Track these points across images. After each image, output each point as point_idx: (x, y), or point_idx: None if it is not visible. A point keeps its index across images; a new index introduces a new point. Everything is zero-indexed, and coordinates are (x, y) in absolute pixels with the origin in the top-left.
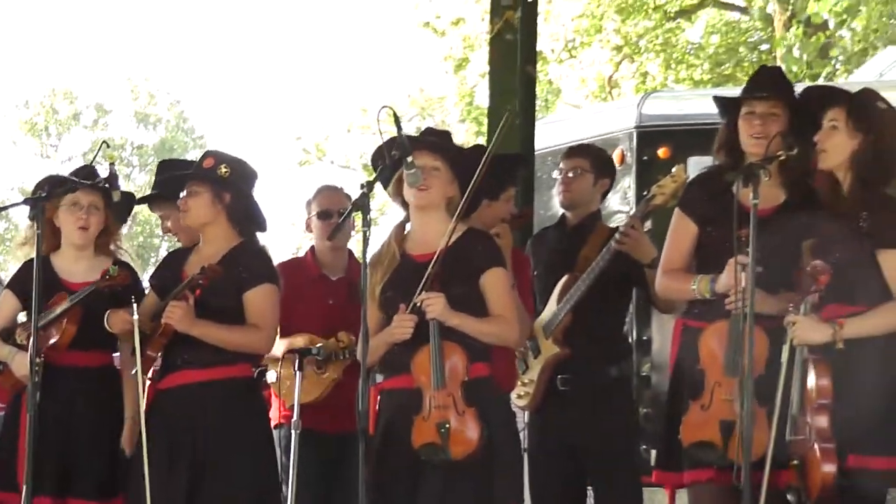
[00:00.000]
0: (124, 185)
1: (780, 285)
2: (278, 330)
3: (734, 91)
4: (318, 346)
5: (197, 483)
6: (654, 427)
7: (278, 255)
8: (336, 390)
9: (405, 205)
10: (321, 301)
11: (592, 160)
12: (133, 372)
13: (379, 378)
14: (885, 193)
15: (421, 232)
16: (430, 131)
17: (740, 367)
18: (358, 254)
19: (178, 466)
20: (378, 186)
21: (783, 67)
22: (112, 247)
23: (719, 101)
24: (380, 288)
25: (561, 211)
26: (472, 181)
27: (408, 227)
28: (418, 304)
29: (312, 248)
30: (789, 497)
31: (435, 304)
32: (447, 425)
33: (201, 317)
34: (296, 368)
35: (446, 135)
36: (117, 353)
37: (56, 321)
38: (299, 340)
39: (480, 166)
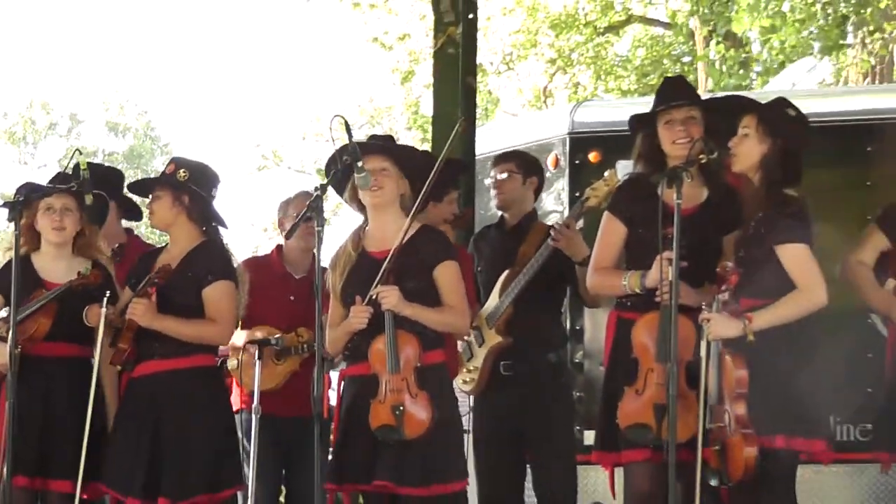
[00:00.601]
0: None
1: (705, 278)
2: (236, 322)
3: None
4: (276, 336)
5: (161, 462)
6: (587, 409)
7: (238, 254)
8: (293, 379)
9: (362, 208)
10: (284, 297)
11: (518, 162)
12: (105, 362)
13: (343, 365)
14: (786, 193)
15: (379, 230)
16: (374, 137)
17: (666, 355)
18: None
19: (145, 447)
20: (330, 189)
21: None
22: (94, 246)
23: (636, 118)
24: (340, 285)
25: (500, 212)
26: (426, 186)
27: (367, 228)
28: (374, 297)
29: (279, 246)
30: (711, 481)
31: (389, 297)
32: (401, 408)
33: (165, 312)
34: (256, 358)
35: (389, 139)
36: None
37: (32, 315)
38: (258, 333)
39: (434, 171)
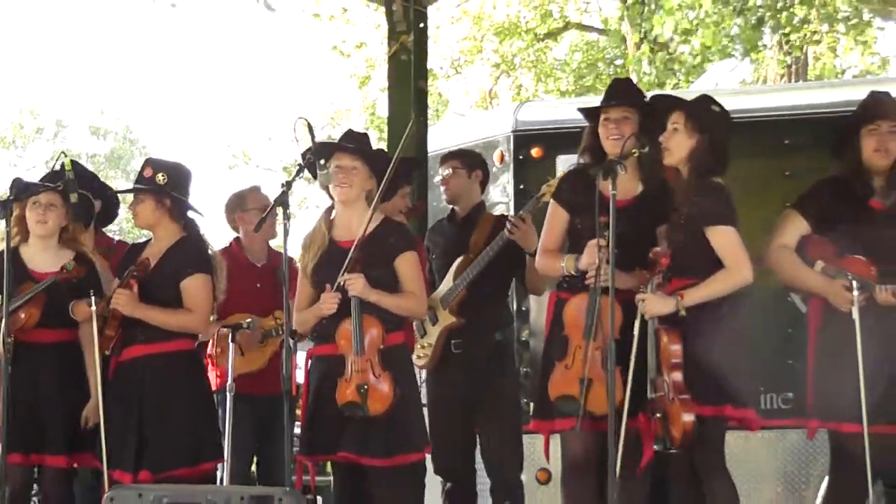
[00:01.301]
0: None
1: (636, 264)
2: (211, 311)
3: (595, 100)
4: (248, 320)
5: (145, 437)
6: (532, 384)
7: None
8: (274, 360)
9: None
10: (252, 286)
11: (462, 159)
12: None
13: (310, 345)
14: (714, 181)
15: (345, 221)
16: (350, 134)
17: (596, 332)
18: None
19: (131, 423)
20: (297, 184)
21: (637, 80)
22: (80, 241)
23: (583, 110)
24: (311, 267)
25: (450, 205)
26: (383, 181)
27: (334, 218)
28: (342, 284)
29: (237, 238)
30: (656, 446)
31: (355, 284)
32: (366, 386)
33: (148, 302)
34: (230, 341)
35: (364, 137)
36: None
37: (23, 306)
38: (235, 318)
39: (390, 168)
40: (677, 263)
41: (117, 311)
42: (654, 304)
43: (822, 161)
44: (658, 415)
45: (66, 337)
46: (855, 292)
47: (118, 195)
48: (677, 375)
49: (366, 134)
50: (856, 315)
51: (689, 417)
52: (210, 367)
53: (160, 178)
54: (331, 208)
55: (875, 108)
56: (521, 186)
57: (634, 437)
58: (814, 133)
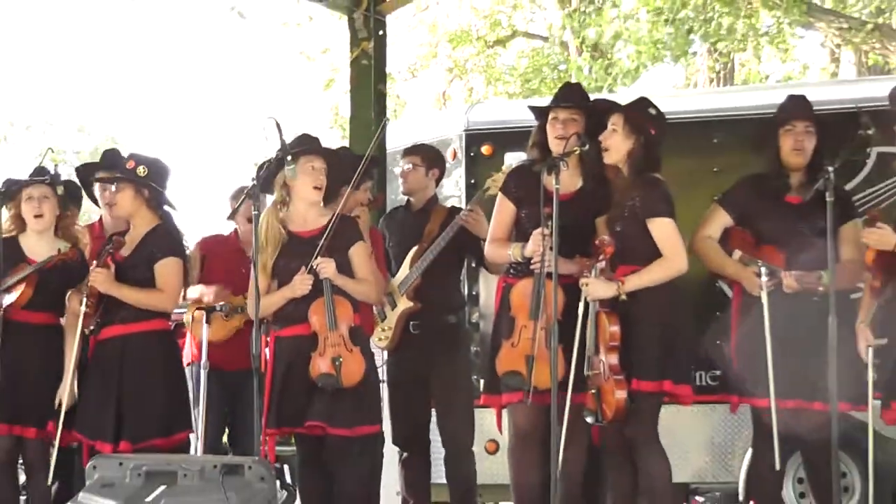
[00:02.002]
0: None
1: (577, 251)
2: (181, 292)
3: (542, 101)
4: (221, 304)
5: (123, 410)
6: (482, 361)
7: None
8: (237, 336)
9: (284, 189)
10: (237, 269)
11: (423, 156)
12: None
13: (275, 328)
14: (653, 177)
15: (301, 215)
16: (304, 137)
17: (540, 313)
18: None
19: (110, 398)
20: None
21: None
22: (73, 229)
23: (533, 109)
24: (272, 260)
25: (406, 196)
26: (354, 177)
27: (288, 212)
28: (314, 267)
29: (236, 229)
30: (588, 419)
31: (328, 267)
32: (340, 359)
33: (123, 282)
34: (204, 321)
35: (316, 140)
36: None
37: (16, 284)
38: (212, 289)
39: (359, 169)
40: (621, 252)
41: (94, 288)
42: (596, 288)
43: (746, 158)
44: (593, 391)
45: (52, 320)
46: (763, 278)
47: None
48: (613, 356)
49: (317, 138)
50: (764, 299)
51: (621, 395)
52: (190, 337)
53: (141, 170)
54: (276, 205)
55: (792, 109)
56: (472, 181)
57: (578, 410)
58: (739, 133)
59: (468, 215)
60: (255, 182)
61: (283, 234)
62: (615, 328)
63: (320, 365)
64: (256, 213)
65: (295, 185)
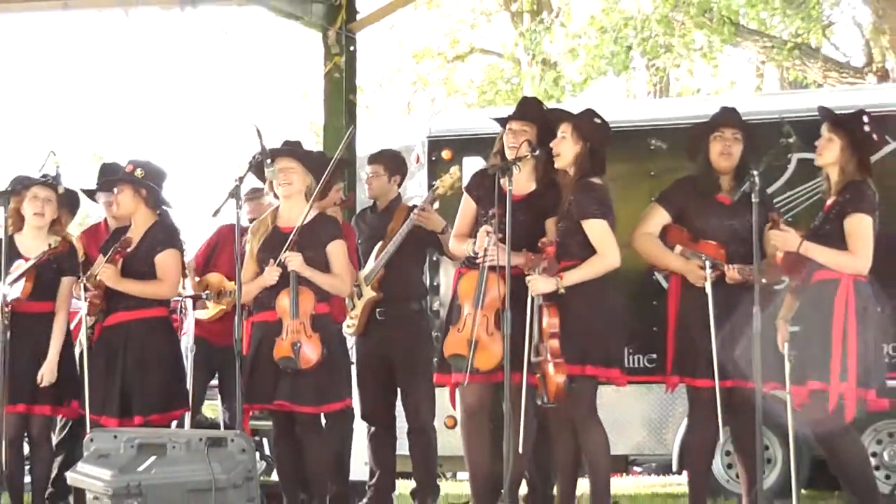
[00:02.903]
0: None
1: (526, 246)
2: (179, 281)
3: (498, 111)
4: (206, 292)
5: (127, 388)
6: (439, 345)
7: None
8: (225, 316)
9: (272, 187)
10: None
11: (384, 164)
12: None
13: (253, 312)
14: (589, 181)
15: (287, 211)
16: (287, 142)
17: (482, 301)
18: None
19: (115, 377)
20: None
21: (528, 93)
22: (65, 228)
23: (497, 120)
24: (257, 248)
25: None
26: (322, 179)
27: (279, 209)
28: (283, 260)
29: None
30: (538, 401)
31: (294, 260)
32: (298, 344)
33: (129, 275)
34: (190, 308)
35: (297, 143)
36: None
37: (18, 279)
38: (215, 275)
39: (328, 169)
40: (563, 247)
41: (102, 282)
42: (538, 283)
43: (680, 163)
44: (538, 375)
45: (51, 308)
46: (708, 270)
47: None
48: (554, 343)
49: (299, 141)
50: (708, 289)
51: (561, 378)
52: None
53: (138, 172)
54: (277, 207)
55: (721, 118)
56: (433, 183)
57: (529, 390)
58: (674, 140)
59: (419, 214)
60: (237, 183)
61: (269, 227)
62: (555, 319)
63: (282, 348)
64: (239, 210)
65: (274, 184)
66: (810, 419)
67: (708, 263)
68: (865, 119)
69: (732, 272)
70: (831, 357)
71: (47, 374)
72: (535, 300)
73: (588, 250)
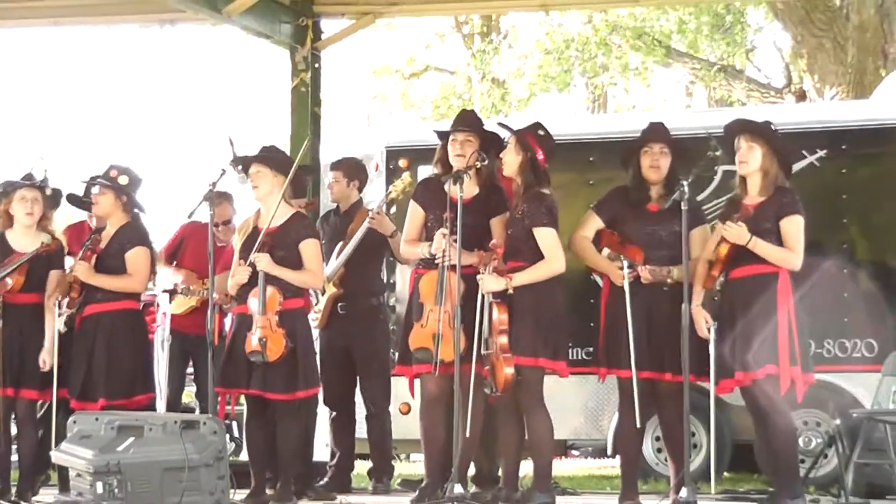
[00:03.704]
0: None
1: (475, 246)
2: (149, 277)
3: (447, 125)
4: (182, 287)
5: (95, 373)
6: (398, 338)
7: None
8: (195, 310)
9: None
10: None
11: (344, 170)
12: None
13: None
14: (540, 192)
15: (265, 213)
16: (265, 147)
17: (444, 299)
18: None
19: (85, 363)
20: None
21: (478, 108)
22: (50, 226)
23: (438, 133)
24: (239, 246)
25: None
26: (285, 183)
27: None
28: (252, 260)
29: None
30: (485, 390)
31: (261, 261)
32: (265, 339)
33: (101, 269)
34: (168, 302)
35: (274, 147)
36: None
37: (10, 274)
38: (183, 272)
39: (290, 175)
40: (511, 250)
41: (76, 277)
42: (489, 283)
43: (616, 174)
44: (487, 367)
45: (40, 299)
46: (625, 271)
47: None
48: (503, 338)
49: (275, 146)
50: (626, 287)
51: (509, 370)
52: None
53: (122, 179)
54: (259, 208)
55: (651, 133)
56: (388, 191)
57: (479, 379)
58: (610, 152)
59: (371, 217)
60: (210, 188)
61: (251, 226)
62: (504, 316)
63: (250, 342)
64: (211, 213)
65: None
66: (753, 400)
67: (625, 264)
68: (773, 127)
69: (645, 272)
70: (779, 343)
71: (48, 359)
72: (484, 297)
73: (536, 254)
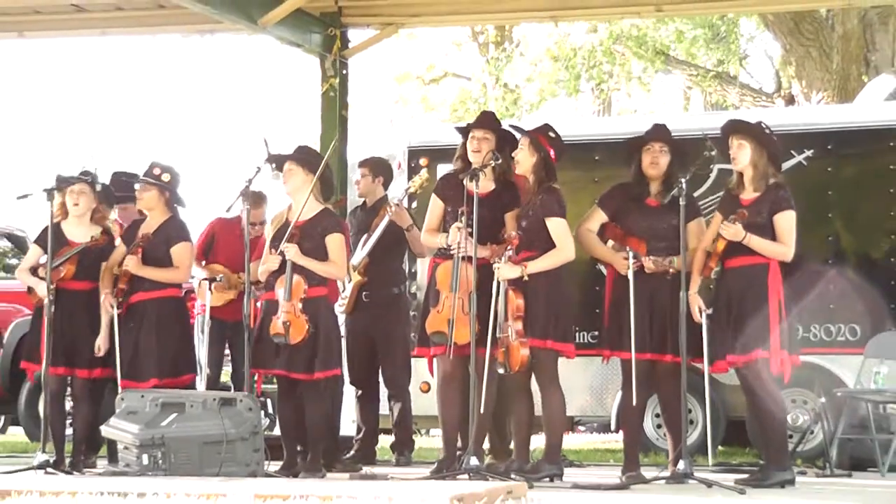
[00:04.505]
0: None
1: (489, 239)
2: (191, 268)
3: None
4: (220, 275)
5: (144, 356)
6: (418, 323)
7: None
8: (235, 300)
9: None
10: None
11: (369, 167)
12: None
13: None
14: (552, 186)
15: (296, 207)
16: (299, 147)
17: (458, 287)
18: None
19: (140, 347)
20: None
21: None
22: (106, 218)
23: (459, 129)
24: (271, 236)
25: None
26: (314, 180)
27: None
28: (282, 250)
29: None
30: (500, 370)
31: (289, 250)
32: (288, 323)
33: (147, 261)
34: (208, 289)
35: (306, 147)
36: None
37: (63, 263)
38: (218, 267)
39: (319, 172)
40: (525, 241)
41: (126, 270)
42: (505, 270)
43: (619, 171)
44: (503, 349)
45: (90, 286)
46: (630, 261)
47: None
48: (518, 322)
49: (308, 146)
50: (630, 276)
51: (524, 352)
52: (196, 300)
53: (165, 176)
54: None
55: (651, 133)
56: (407, 186)
57: (492, 361)
58: (614, 152)
59: (393, 211)
60: (246, 184)
61: (284, 218)
62: (520, 301)
63: (276, 326)
64: (247, 207)
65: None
66: (746, 380)
67: (630, 255)
68: (763, 125)
69: (648, 263)
70: (770, 328)
71: (102, 344)
72: (500, 284)
73: (548, 246)
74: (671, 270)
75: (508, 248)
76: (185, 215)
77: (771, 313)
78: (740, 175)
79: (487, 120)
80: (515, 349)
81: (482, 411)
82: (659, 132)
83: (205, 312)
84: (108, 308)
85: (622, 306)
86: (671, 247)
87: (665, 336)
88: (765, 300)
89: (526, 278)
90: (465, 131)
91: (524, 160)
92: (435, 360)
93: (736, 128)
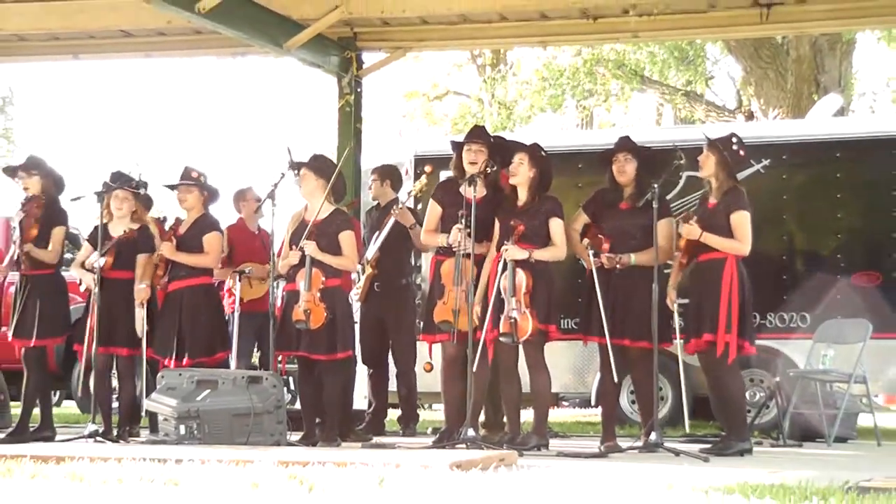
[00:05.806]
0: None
1: (483, 237)
2: (221, 254)
3: (460, 138)
4: (249, 268)
5: (182, 337)
6: (422, 311)
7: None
8: (265, 294)
9: None
10: (254, 245)
11: (380, 173)
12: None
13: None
14: (548, 194)
15: (312, 209)
16: (314, 156)
17: (460, 280)
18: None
19: (174, 329)
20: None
21: (488, 125)
22: (143, 218)
23: (453, 143)
24: (289, 234)
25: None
26: (329, 185)
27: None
28: (301, 246)
29: (241, 219)
30: (507, 340)
31: (309, 246)
32: (308, 311)
33: (181, 250)
34: (237, 280)
35: (322, 156)
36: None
37: (103, 255)
38: (248, 265)
39: (333, 178)
40: (527, 235)
41: (162, 256)
42: (513, 251)
43: (599, 178)
44: (511, 321)
45: (129, 276)
46: (591, 258)
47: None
48: (527, 297)
49: (322, 154)
50: (594, 270)
51: (533, 324)
52: (228, 295)
53: (202, 178)
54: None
55: (617, 146)
56: (410, 191)
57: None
58: (595, 161)
59: (397, 211)
60: (273, 187)
61: (301, 218)
62: (530, 280)
63: (297, 313)
64: (275, 207)
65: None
66: (704, 362)
67: (591, 252)
68: (734, 140)
69: (603, 259)
70: (719, 315)
71: (139, 326)
72: (507, 264)
73: (541, 239)
74: (618, 266)
75: (515, 233)
76: (216, 209)
77: (721, 302)
78: (710, 182)
79: (479, 133)
80: (525, 320)
81: (478, 388)
82: (623, 144)
83: (233, 310)
84: (142, 296)
85: (591, 296)
86: (639, 244)
87: (630, 322)
88: (718, 290)
89: (533, 260)
90: (459, 145)
91: (524, 173)
92: (436, 345)
93: (707, 141)
